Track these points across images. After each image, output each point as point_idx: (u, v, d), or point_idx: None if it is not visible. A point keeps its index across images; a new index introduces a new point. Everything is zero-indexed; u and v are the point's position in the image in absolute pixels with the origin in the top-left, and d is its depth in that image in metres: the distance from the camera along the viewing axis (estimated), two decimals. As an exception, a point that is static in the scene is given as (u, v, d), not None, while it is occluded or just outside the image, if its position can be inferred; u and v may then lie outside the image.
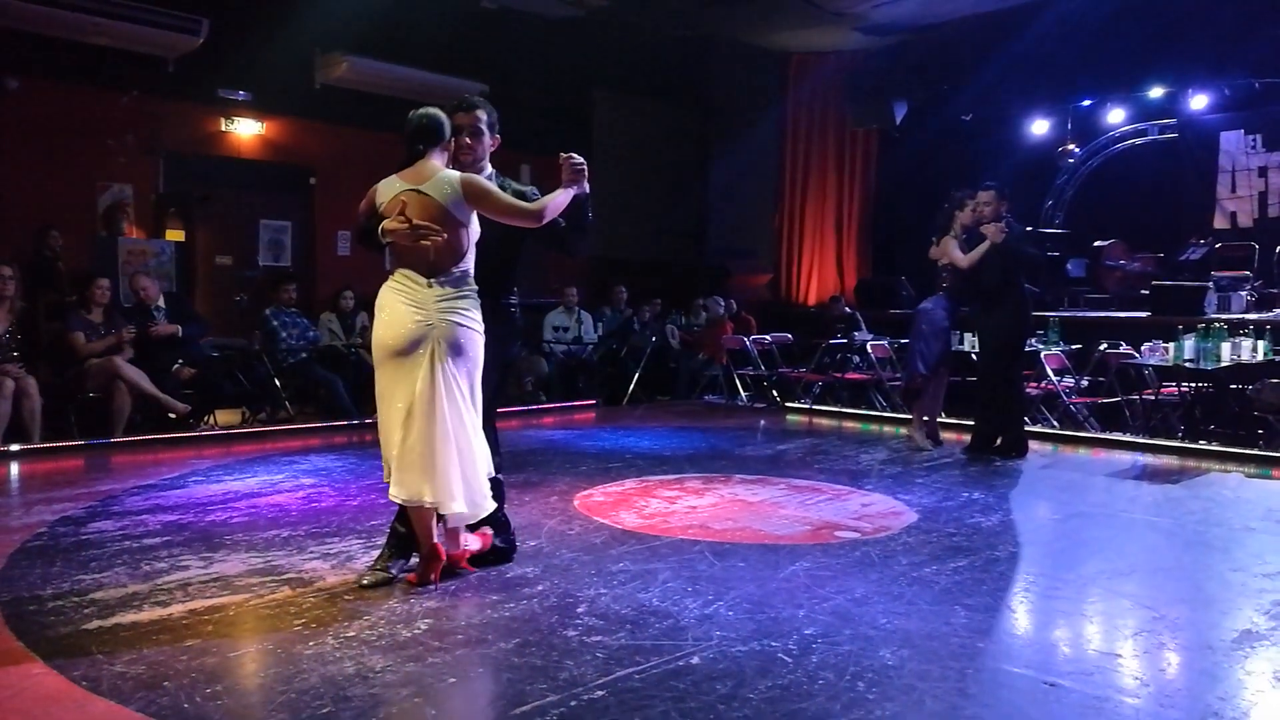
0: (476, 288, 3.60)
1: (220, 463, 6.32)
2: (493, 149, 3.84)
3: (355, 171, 9.82)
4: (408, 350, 3.46)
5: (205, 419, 7.75)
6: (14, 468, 6.14)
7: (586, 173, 3.72)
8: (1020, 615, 3.58)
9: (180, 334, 7.56)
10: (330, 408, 8.11)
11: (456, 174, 3.54)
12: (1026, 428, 6.98)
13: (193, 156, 9.40)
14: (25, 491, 5.57)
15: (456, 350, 3.49)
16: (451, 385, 3.48)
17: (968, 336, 8.65)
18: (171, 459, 6.40)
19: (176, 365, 7.50)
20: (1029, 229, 6.48)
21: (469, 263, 3.58)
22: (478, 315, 3.58)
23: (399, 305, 3.49)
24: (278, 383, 8.03)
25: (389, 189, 3.56)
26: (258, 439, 7.38)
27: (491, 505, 3.61)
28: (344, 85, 9.69)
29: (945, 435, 7.14)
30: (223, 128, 9.55)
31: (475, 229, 3.60)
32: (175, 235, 9.21)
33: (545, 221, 3.56)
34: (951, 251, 6.54)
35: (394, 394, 3.50)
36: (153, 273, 7.94)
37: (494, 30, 10.77)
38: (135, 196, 8.98)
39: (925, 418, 6.99)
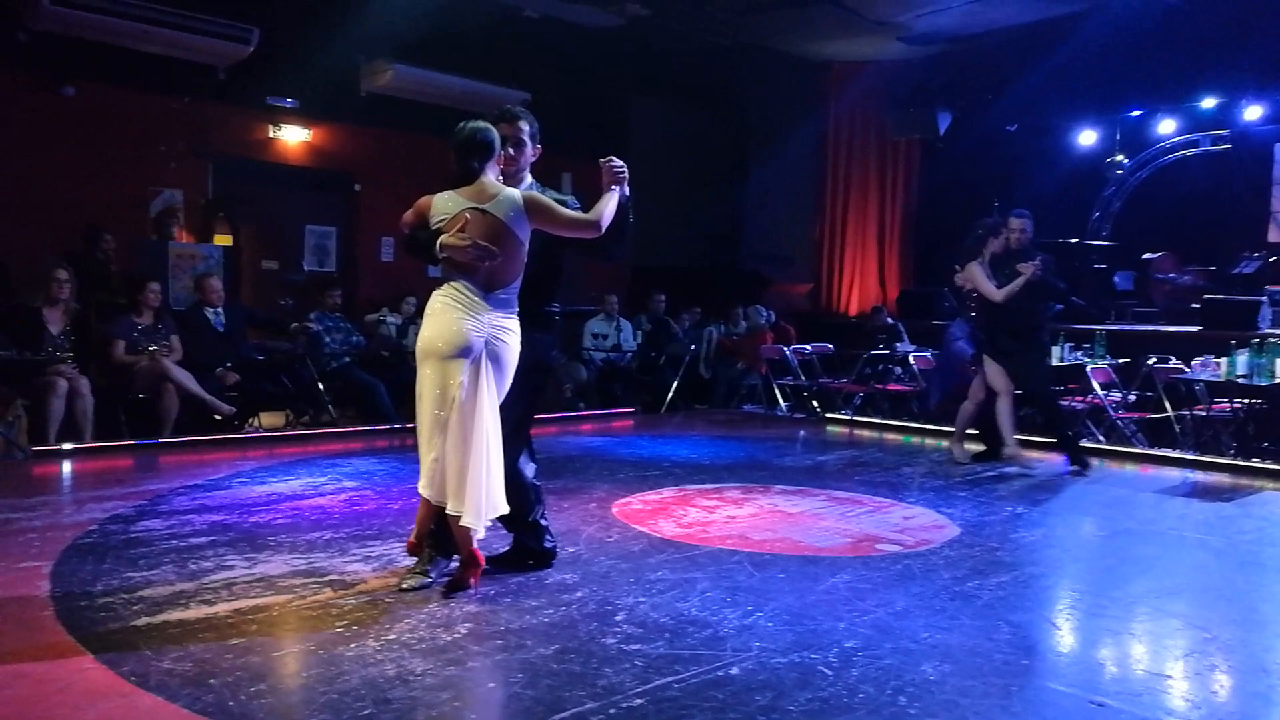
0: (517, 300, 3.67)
1: (264, 464, 6.40)
2: (534, 159, 3.87)
3: (398, 177, 9.97)
4: (455, 357, 3.48)
5: (250, 421, 7.87)
6: (67, 466, 6.28)
7: (626, 175, 3.73)
8: (1065, 632, 3.51)
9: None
10: (372, 411, 8.19)
11: (518, 193, 3.60)
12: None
13: (241, 162, 9.56)
14: (77, 489, 5.70)
15: (500, 366, 3.57)
16: (490, 400, 3.54)
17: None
18: (217, 460, 6.51)
19: (222, 368, 7.62)
20: (1072, 241, 6.44)
21: (521, 278, 3.64)
22: (519, 332, 3.65)
23: (452, 314, 3.52)
24: (321, 386, 8.12)
25: (449, 205, 3.58)
26: (301, 441, 7.48)
27: (504, 508, 3.60)
28: (388, 92, 9.81)
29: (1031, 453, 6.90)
30: (270, 134, 9.71)
31: (527, 246, 3.64)
32: (223, 240, 9.37)
33: (604, 229, 3.59)
34: (981, 281, 6.47)
35: (434, 398, 3.52)
36: (215, 274, 8.08)
37: (534, 38, 10.85)
38: (185, 201, 9.16)
39: (969, 431, 6.92)
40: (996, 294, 6.38)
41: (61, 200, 8.29)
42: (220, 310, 7.86)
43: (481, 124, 3.66)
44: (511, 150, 3.75)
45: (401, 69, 9.61)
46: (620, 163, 3.72)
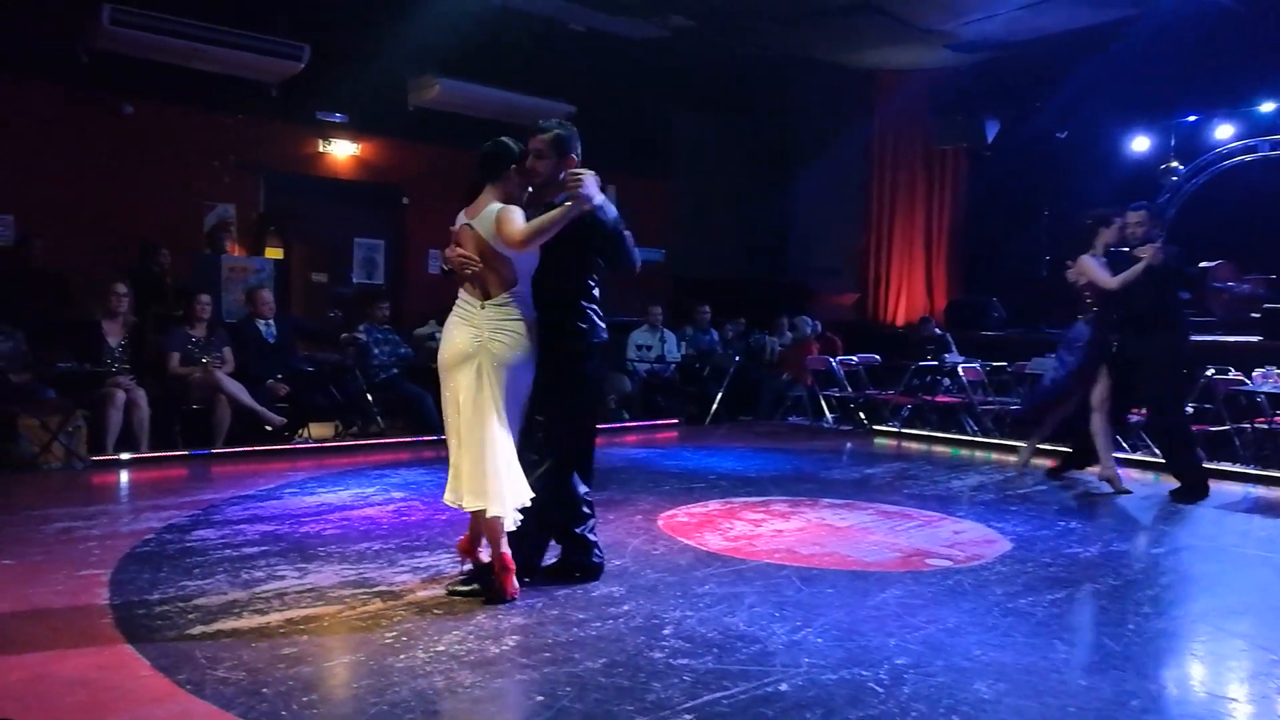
0: (527, 307, 3.73)
1: (314, 475, 6.49)
2: (567, 169, 3.79)
3: (445, 191, 9.97)
4: (458, 365, 3.67)
5: (300, 432, 7.98)
6: (124, 475, 6.42)
7: (592, 184, 3.65)
8: (1124, 653, 3.42)
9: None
10: (419, 422, 8.27)
11: (496, 206, 3.67)
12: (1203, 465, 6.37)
13: (291, 176, 9.74)
14: (134, 498, 5.82)
15: (501, 365, 3.64)
16: (493, 398, 3.62)
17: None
18: (268, 470, 6.61)
19: (273, 380, 7.75)
20: (1124, 250, 6.10)
21: (521, 285, 3.73)
22: (525, 334, 3.70)
23: (455, 323, 3.75)
24: (369, 397, 8.22)
25: (458, 222, 3.80)
26: (350, 452, 7.57)
27: (528, 498, 3.64)
28: (435, 107, 9.94)
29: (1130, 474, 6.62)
30: (320, 149, 9.88)
31: (528, 255, 3.69)
32: (274, 253, 9.55)
33: (527, 246, 3.61)
34: (1094, 271, 6.02)
35: (448, 407, 3.73)
36: (266, 286, 8.23)
37: (579, 51, 10.92)
38: (237, 215, 9.34)
39: (1039, 444, 6.69)
40: (1111, 281, 5.90)
41: (119, 215, 8.52)
42: (271, 322, 8.00)
43: (499, 140, 3.81)
44: (531, 161, 3.79)
45: (448, 83, 9.72)
46: (584, 173, 3.67)
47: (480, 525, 3.69)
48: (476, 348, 3.64)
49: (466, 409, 3.63)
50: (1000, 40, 10.69)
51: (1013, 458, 7.44)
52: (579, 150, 3.86)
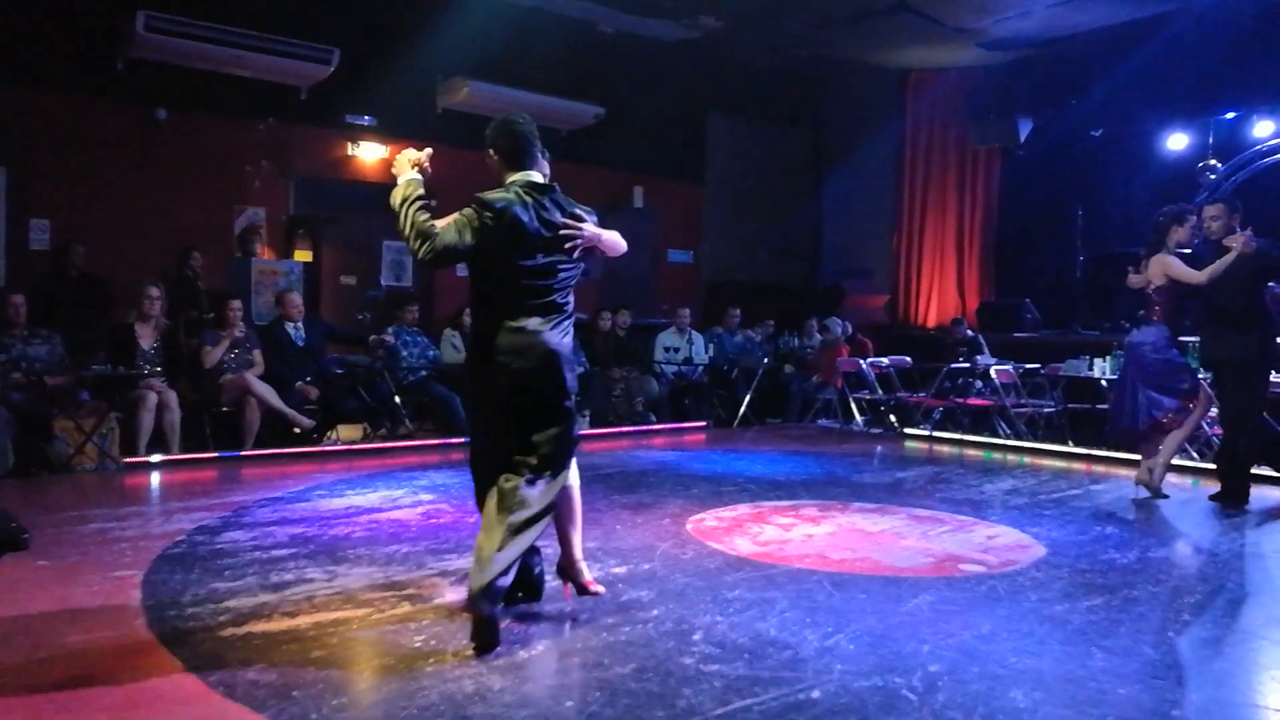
0: (478, 314, 3.49)
1: (343, 477, 6.52)
2: (496, 167, 3.66)
3: (474, 193, 10.10)
4: None
5: (329, 434, 8.03)
6: (155, 477, 6.48)
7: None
8: (1164, 662, 3.34)
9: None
10: (448, 424, 8.29)
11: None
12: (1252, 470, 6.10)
13: (321, 180, 9.80)
14: (166, 500, 5.87)
15: None
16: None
17: (1098, 362, 8.30)
18: (297, 472, 6.65)
19: (302, 382, 7.80)
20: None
21: (477, 289, 3.50)
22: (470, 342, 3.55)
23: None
24: (398, 400, 8.25)
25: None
26: (378, 455, 7.60)
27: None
28: (464, 109, 9.95)
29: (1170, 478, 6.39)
30: (349, 152, 9.93)
31: (486, 260, 3.44)
32: (303, 256, 9.61)
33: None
34: (1177, 268, 5.74)
35: None
36: (296, 290, 8.29)
37: (610, 54, 10.92)
38: (267, 219, 9.43)
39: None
40: (1199, 276, 5.60)
41: (152, 220, 8.62)
42: (300, 325, 8.05)
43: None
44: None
45: (477, 86, 9.74)
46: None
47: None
48: None
49: None
50: (1033, 38, 10.56)
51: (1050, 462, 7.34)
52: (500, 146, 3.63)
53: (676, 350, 10.38)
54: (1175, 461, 7.13)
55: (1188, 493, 6.39)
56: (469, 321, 8.91)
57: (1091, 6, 9.56)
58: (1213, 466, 7.06)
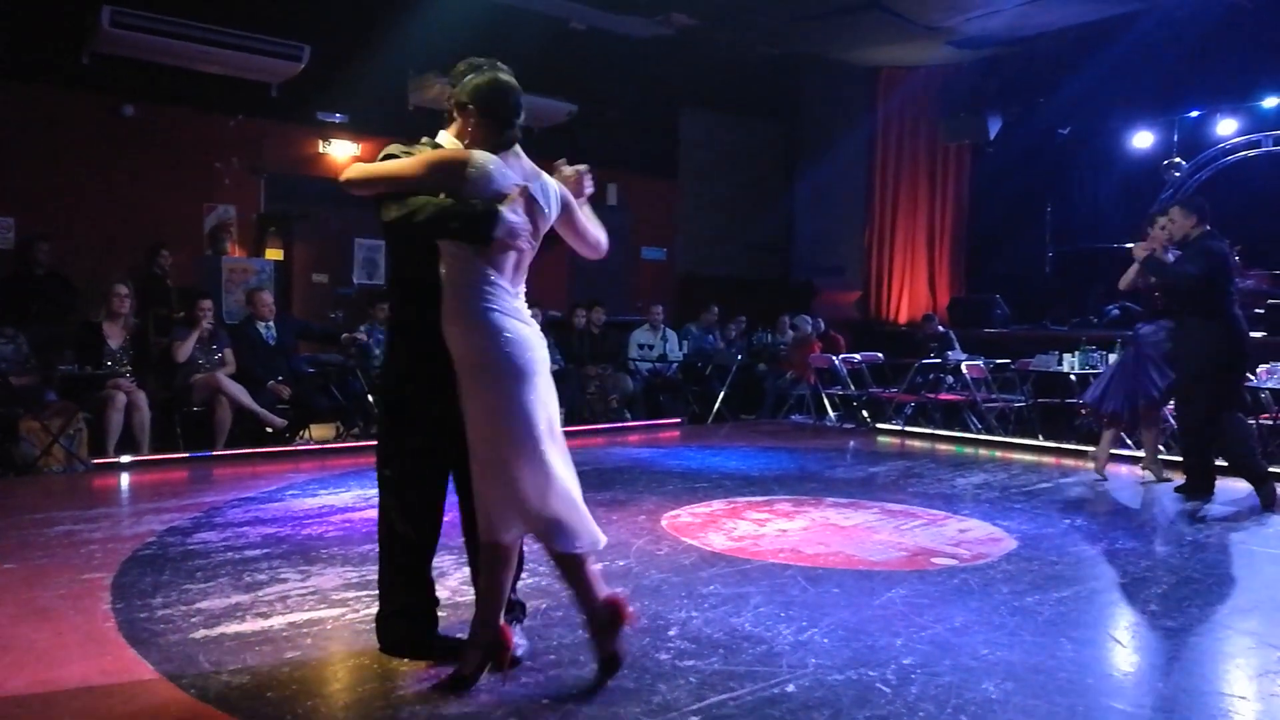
0: (450, 296, 2.85)
1: (315, 477, 6.48)
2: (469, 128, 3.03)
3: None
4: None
5: (301, 433, 7.97)
6: (124, 478, 6.40)
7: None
8: (1131, 651, 3.41)
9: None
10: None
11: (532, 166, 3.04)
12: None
13: (292, 177, 9.72)
14: (135, 501, 5.80)
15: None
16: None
17: (1066, 357, 8.40)
18: (269, 472, 6.60)
19: (274, 381, 7.73)
20: (1128, 245, 5.99)
21: (444, 270, 2.87)
22: (451, 328, 2.85)
23: (527, 315, 3.07)
24: (371, 399, 8.20)
25: (509, 176, 2.94)
26: (351, 454, 7.54)
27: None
28: (436, 106, 9.87)
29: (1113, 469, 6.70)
30: (320, 149, 9.86)
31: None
32: (274, 254, 9.53)
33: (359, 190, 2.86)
34: (1127, 273, 6.24)
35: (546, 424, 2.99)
36: (266, 288, 8.21)
37: (583, 51, 10.90)
38: (238, 216, 9.33)
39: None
40: (1122, 282, 6.24)
41: (120, 217, 8.51)
42: (271, 324, 7.98)
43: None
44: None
45: (449, 83, 9.68)
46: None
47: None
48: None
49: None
50: (1002, 36, 10.67)
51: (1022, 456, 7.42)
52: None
53: (651, 347, 10.39)
54: (1139, 454, 7.28)
55: (1156, 486, 6.46)
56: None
57: (1059, 6, 9.67)
58: (1179, 459, 7.20)
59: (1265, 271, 10.52)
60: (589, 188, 3.17)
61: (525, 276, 2.98)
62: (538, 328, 2.96)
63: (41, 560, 4.21)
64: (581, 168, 3.17)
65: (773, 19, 10.51)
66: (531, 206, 2.90)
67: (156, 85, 8.64)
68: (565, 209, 3.06)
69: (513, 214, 2.79)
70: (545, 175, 3.02)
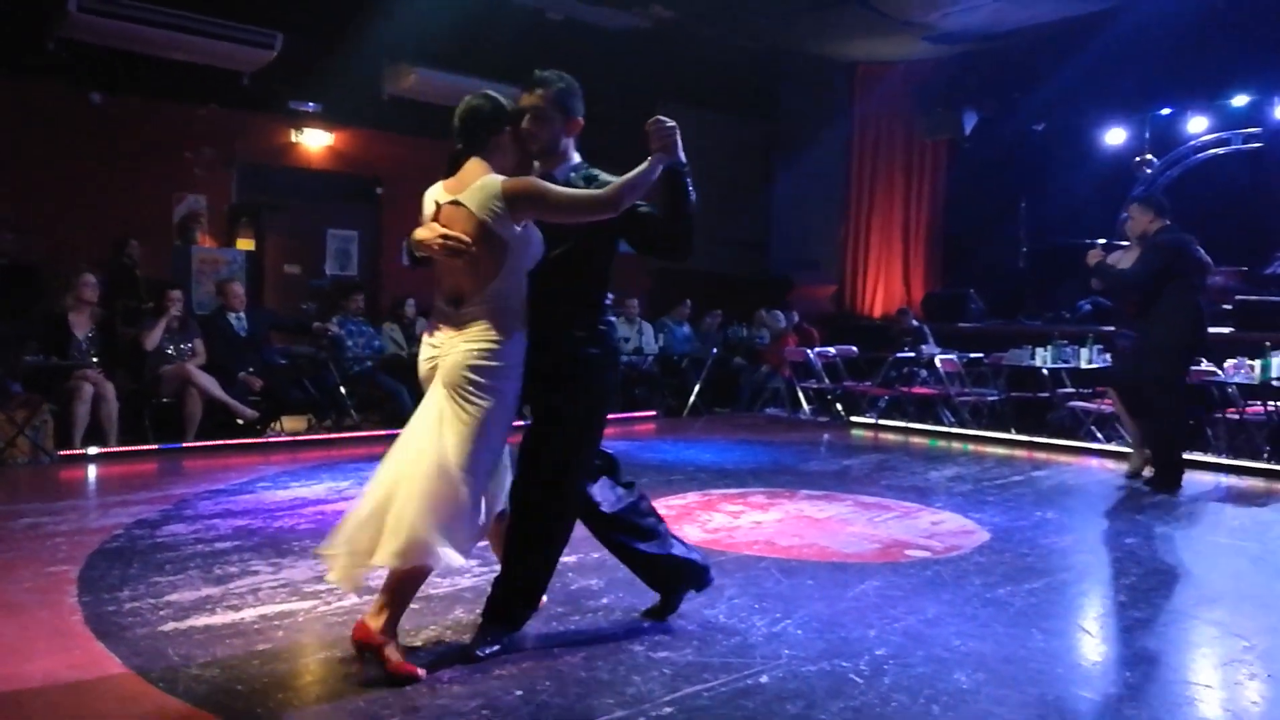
0: (514, 311, 2.93)
1: (287, 469, 6.41)
2: (574, 133, 3.20)
3: (422, 181, 9.85)
4: (427, 385, 3.00)
5: (272, 425, 7.89)
6: (92, 470, 6.31)
7: (679, 139, 3.01)
8: (1100, 641, 3.45)
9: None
10: (395, 416, 8.19)
11: (499, 179, 2.89)
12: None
13: (264, 167, 9.62)
14: (103, 493, 5.72)
15: (467, 385, 2.86)
16: (418, 424, 2.97)
17: (1040, 352, 8.47)
18: (240, 464, 6.53)
19: (245, 373, 7.65)
20: (1100, 241, 6.09)
21: (507, 284, 2.91)
22: (503, 345, 2.88)
23: (426, 336, 3.04)
24: (343, 390, 8.14)
25: (429, 199, 3.02)
26: (324, 446, 7.49)
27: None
28: (411, 96, 9.83)
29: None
30: (293, 139, 9.76)
31: (527, 244, 2.94)
32: (246, 244, 9.43)
33: (624, 206, 2.95)
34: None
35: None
36: (238, 279, 8.11)
37: (560, 41, 10.84)
38: (209, 206, 9.22)
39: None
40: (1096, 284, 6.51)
41: (88, 206, 8.38)
42: (243, 315, 7.89)
43: (477, 97, 3.06)
44: (529, 125, 3.06)
45: (424, 72, 9.62)
46: (670, 123, 2.99)
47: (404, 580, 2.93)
48: (436, 363, 2.95)
49: (406, 439, 3.00)
50: (979, 33, 10.72)
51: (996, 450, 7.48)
52: (583, 109, 3.22)
53: (626, 340, 10.37)
54: (1109, 448, 7.37)
55: (1123, 479, 6.54)
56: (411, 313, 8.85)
57: (1035, 3, 9.73)
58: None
59: (1232, 268, 10.66)
60: (660, 137, 3.18)
61: (482, 284, 2.99)
62: (440, 341, 3.00)
63: (6, 554, 4.14)
64: (656, 120, 3.16)
65: (750, 12, 10.51)
66: (454, 216, 2.96)
67: (125, 73, 8.50)
68: (519, 202, 2.96)
69: (422, 229, 3.01)
70: (484, 180, 2.96)
